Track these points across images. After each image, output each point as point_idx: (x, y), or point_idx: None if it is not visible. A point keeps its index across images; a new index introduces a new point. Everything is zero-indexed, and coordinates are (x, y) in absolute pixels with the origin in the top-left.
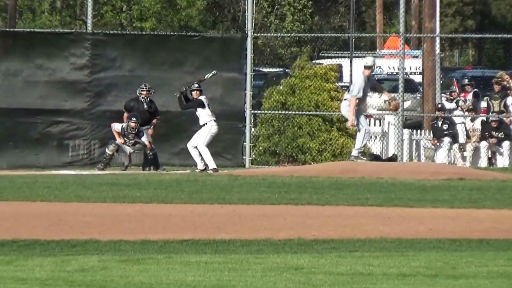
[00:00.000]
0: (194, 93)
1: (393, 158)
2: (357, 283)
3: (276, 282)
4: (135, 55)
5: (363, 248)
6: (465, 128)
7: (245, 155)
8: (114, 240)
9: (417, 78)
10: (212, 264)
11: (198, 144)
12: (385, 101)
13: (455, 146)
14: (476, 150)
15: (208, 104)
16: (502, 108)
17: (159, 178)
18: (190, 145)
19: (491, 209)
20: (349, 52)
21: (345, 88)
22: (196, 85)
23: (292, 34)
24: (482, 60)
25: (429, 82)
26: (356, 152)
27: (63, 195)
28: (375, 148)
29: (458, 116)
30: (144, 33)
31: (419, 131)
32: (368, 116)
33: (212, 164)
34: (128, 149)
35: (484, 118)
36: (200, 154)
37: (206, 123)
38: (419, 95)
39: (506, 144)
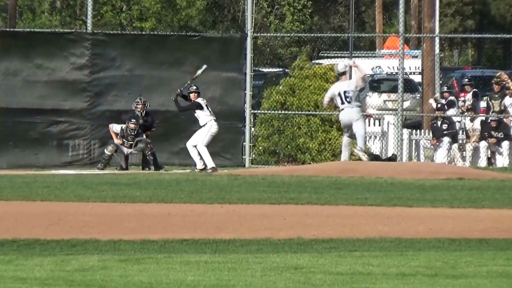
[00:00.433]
0: (192, 95)
1: (393, 158)
2: (357, 283)
3: (275, 281)
4: (135, 55)
5: (363, 247)
6: (464, 127)
7: (244, 155)
8: (114, 240)
9: (417, 78)
10: (212, 264)
11: (197, 143)
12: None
13: (455, 146)
14: (476, 150)
15: (206, 105)
16: (502, 108)
17: (159, 177)
18: (189, 144)
19: (490, 208)
20: (348, 52)
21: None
22: (194, 87)
23: (292, 34)
24: (482, 60)
25: (429, 82)
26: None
27: (63, 195)
28: (375, 148)
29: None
30: (144, 33)
31: (418, 131)
32: (368, 116)
33: (210, 164)
34: (126, 150)
35: (484, 118)
36: (199, 154)
37: (206, 123)
38: (419, 95)
39: (505, 144)
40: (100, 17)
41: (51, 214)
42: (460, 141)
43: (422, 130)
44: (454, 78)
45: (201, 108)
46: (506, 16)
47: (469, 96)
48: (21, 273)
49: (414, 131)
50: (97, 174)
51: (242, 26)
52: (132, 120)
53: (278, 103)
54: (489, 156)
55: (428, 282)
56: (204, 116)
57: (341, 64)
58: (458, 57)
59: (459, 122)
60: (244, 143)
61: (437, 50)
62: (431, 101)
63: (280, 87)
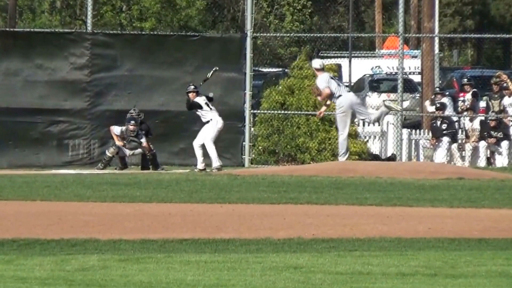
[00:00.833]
0: (190, 95)
1: (392, 158)
2: (356, 282)
3: (275, 281)
4: (135, 55)
5: (362, 247)
6: (464, 127)
7: (244, 155)
8: (114, 239)
9: (416, 78)
10: (212, 263)
11: (206, 140)
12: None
13: (454, 145)
14: (475, 149)
15: (206, 103)
16: (502, 108)
17: (159, 177)
18: (196, 143)
19: (490, 208)
20: (348, 52)
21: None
22: (192, 87)
23: (291, 34)
24: (481, 60)
25: (428, 82)
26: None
27: (63, 195)
28: (374, 147)
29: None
30: (143, 33)
31: (418, 130)
32: None
33: (216, 162)
34: (128, 152)
35: (483, 118)
36: (203, 155)
37: (211, 119)
38: (418, 95)
39: (504, 143)
40: (100, 17)
41: (51, 213)
42: (460, 141)
43: (422, 130)
44: (454, 78)
45: (200, 107)
46: (505, 16)
47: (468, 96)
48: (21, 273)
49: (413, 131)
50: (97, 174)
51: (242, 26)
52: (131, 122)
53: (277, 103)
54: (489, 156)
55: (428, 282)
56: (207, 113)
57: (318, 61)
58: (457, 57)
59: (457, 122)
60: (243, 143)
61: (436, 50)
62: (427, 103)
63: (280, 87)
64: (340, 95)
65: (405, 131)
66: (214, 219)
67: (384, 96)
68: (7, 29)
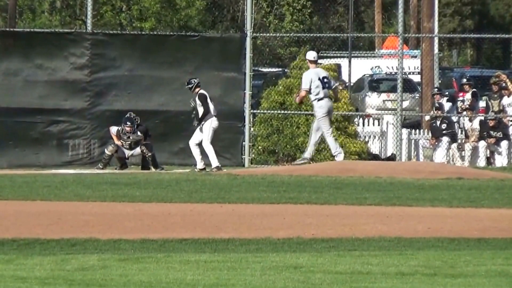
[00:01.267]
0: (197, 89)
1: (392, 158)
2: (356, 282)
3: (275, 281)
4: (135, 55)
5: (362, 247)
6: (463, 127)
7: (244, 155)
8: (113, 239)
9: (416, 78)
10: (211, 263)
11: (203, 141)
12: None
13: (454, 145)
14: (475, 149)
15: (202, 104)
16: (501, 108)
17: (158, 177)
18: (192, 142)
19: (489, 208)
20: (347, 52)
21: (344, 88)
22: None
23: (291, 34)
24: (481, 60)
25: (428, 81)
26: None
27: (63, 194)
28: (374, 147)
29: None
30: (143, 33)
31: (417, 130)
32: (367, 116)
33: (215, 162)
34: (127, 153)
35: (483, 118)
36: (201, 153)
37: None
38: (418, 95)
39: (504, 143)
40: (100, 17)
41: (51, 213)
42: (459, 141)
43: (421, 130)
44: (453, 77)
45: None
46: (505, 16)
47: (468, 96)
48: (21, 273)
49: (413, 130)
50: (97, 173)
51: (242, 26)
52: (128, 123)
53: (277, 103)
54: (488, 155)
55: (427, 281)
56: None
57: (313, 53)
58: (457, 57)
59: (457, 122)
60: (243, 143)
61: (436, 50)
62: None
63: (279, 87)
64: (321, 98)
65: (404, 131)
66: (214, 219)
67: (383, 96)
68: (7, 29)
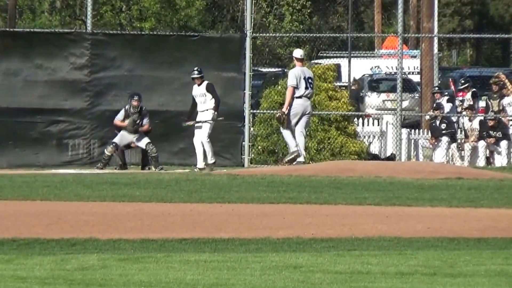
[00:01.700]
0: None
1: (392, 158)
2: (356, 282)
3: (274, 280)
4: (135, 55)
5: (362, 246)
6: (463, 127)
7: (244, 155)
8: (113, 239)
9: (415, 78)
10: (211, 263)
11: (203, 136)
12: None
13: (453, 145)
14: (474, 149)
15: (212, 94)
16: (501, 108)
17: (158, 177)
18: (196, 140)
19: (489, 208)
20: (347, 52)
21: (344, 88)
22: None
23: (291, 34)
24: (480, 60)
25: (427, 81)
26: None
27: (62, 194)
28: (374, 147)
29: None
30: (143, 33)
31: (417, 130)
32: (367, 116)
33: (211, 159)
34: (131, 138)
35: (482, 118)
36: (204, 153)
37: (207, 109)
38: (417, 95)
39: (504, 143)
40: (100, 17)
41: (51, 213)
42: (459, 141)
43: (421, 130)
44: (450, 77)
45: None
46: (504, 16)
47: (468, 96)
48: (21, 272)
49: (413, 130)
50: (97, 173)
51: (241, 26)
52: (135, 97)
53: (277, 103)
54: (488, 155)
55: (427, 281)
56: (209, 101)
57: (300, 51)
58: (456, 57)
59: (456, 122)
60: (243, 143)
61: (435, 50)
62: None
63: (279, 87)
64: (299, 97)
65: (404, 131)
66: (214, 219)
67: (383, 96)
68: (7, 29)
